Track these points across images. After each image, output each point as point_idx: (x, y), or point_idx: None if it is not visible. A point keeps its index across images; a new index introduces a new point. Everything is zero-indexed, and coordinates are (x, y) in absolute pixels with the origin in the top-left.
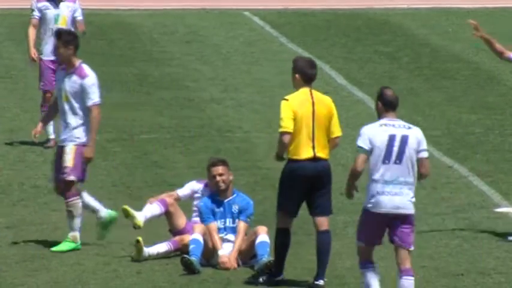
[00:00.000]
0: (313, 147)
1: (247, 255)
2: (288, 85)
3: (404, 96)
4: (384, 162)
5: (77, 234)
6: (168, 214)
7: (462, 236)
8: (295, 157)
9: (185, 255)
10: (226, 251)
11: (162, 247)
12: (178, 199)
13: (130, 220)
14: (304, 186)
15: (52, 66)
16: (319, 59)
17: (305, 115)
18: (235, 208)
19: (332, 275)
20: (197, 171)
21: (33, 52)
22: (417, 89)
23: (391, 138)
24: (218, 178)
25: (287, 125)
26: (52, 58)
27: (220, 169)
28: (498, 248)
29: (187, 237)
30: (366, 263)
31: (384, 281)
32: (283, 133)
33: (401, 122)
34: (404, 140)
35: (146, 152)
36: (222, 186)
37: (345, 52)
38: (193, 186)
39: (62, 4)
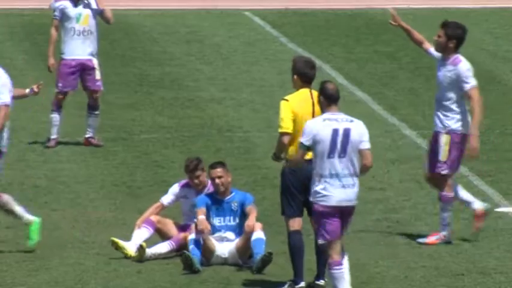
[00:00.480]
0: None
1: (245, 253)
2: (288, 85)
3: (404, 96)
4: (329, 157)
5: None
6: (157, 231)
7: (462, 236)
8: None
9: (185, 251)
10: (225, 250)
11: (163, 247)
12: (163, 208)
13: (120, 252)
14: (304, 186)
15: (72, 65)
16: (320, 58)
17: (305, 115)
18: (234, 205)
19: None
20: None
21: (50, 62)
22: (417, 89)
23: (335, 133)
24: (217, 181)
25: (287, 125)
26: (74, 57)
27: (219, 171)
28: (498, 248)
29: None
30: (335, 264)
31: (384, 280)
32: (282, 134)
33: (343, 116)
34: (346, 133)
35: (146, 152)
36: (222, 188)
37: (345, 52)
38: (175, 190)
39: (83, 2)
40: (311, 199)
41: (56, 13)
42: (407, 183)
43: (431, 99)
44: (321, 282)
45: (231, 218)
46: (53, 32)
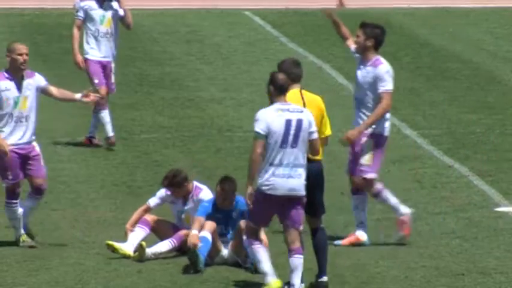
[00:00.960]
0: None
1: (240, 252)
2: None
3: (405, 96)
4: (281, 147)
5: None
6: (153, 231)
7: (462, 236)
8: None
9: (194, 249)
10: (225, 251)
11: (164, 245)
12: (150, 210)
13: (117, 253)
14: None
15: (100, 65)
16: (320, 58)
17: None
18: (235, 214)
19: (332, 274)
20: (198, 171)
21: (79, 59)
22: (418, 88)
23: (288, 123)
24: (223, 197)
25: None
26: (99, 59)
27: (229, 190)
28: (498, 248)
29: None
30: (253, 240)
31: (384, 280)
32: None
33: (294, 106)
34: (299, 123)
35: (147, 152)
36: (226, 204)
37: (345, 52)
38: (162, 194)
39: (106, 3)
40: (257, 186)
41: (80, 13)
42: (408, 183)
43: (432, 99)
44: (324, 279)
45: (232, 226)
46: (76, 31)
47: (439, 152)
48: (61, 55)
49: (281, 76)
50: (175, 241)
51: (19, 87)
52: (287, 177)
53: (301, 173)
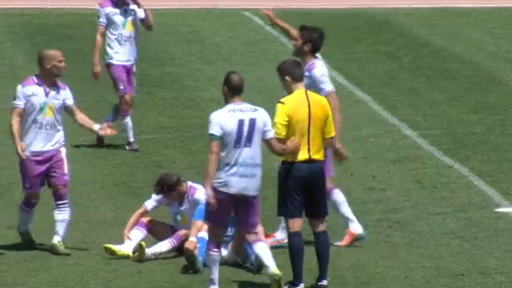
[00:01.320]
0: (309, 150)
1: (240, 252)
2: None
3: (405, 96)
4: (235, 147)
5: None
6: (150, 232)
7: (462, 236)
8: (290, 159)
9: (191, 250)
10: (225, 251)
11: (164, 245)
12: (146, 212)
13: (115, 255)
14: (302, 187)
15: (124, 70)
16: None
17: (301, 117)
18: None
19: (332, 274)
20: (198, 171)
21: (97, 70)
22: (418, 88)
23: (241, 123)
24: None
25: (280, 131)
26: (123, 63)
27: None
28: (499, 248)
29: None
30: (213, 244)
31: (384, 280)
32: (277, 140)
33: (247, 105)
34: (252, 123)
35: (147, 152)
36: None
37: (345, 52)
38: (157, 197)
39: (128, 8)
40: (213, 185)
41: (102, 19)
42: (408, 183)
43: (432, 99)
44: (324, 282)
45: (230, 228)
46: (99, 38)
47: (439, 152)
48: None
49: (235, 77)
50: (174, 241)
51: (47, 94)
52: (240, 176)
53: (256, 172)
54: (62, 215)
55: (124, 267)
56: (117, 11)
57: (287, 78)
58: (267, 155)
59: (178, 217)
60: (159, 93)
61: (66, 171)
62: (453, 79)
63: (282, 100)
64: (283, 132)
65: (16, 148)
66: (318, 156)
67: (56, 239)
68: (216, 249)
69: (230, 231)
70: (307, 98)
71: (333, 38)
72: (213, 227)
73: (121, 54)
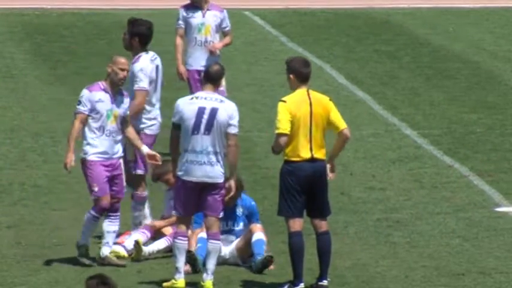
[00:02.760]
0: (311, 148)
1: (245, 253)
2: (288, 85)
3: (405, 96)
4: (193, 133)
5: None
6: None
7: (463, 236)
8: (292, 158)
9: (191, 250)
10: (227, 251)
11: (161, 244)
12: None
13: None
14: (304, 187)
15: (197, 76)
16: (320, 58)
17: (303, 116)
18: (239, 211)
19: (333, 274)
20: None
21: (182, 70)
22: (418, 88)
23: (201, 111)
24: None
25: (284, 126)
26: (198, 68)
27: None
28: (499, 248)
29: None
30: (180, 234)
31: (384, 280)
32: (280, 135)
33: (214, 95)
34: (213, 112)
35: None
36: (230, 202)
37: (345, 51)
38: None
39: (208, 13)
40: (177, 174)
41: (180, 22)
42: (408, 183)
43: (432, 98)
44: (324, 282)
45: (236, 223)
46: (178, 41)
47: (439, 152)
48: (61, 55)
49: (215, 67)
50: (171, 239)
51: (113, 101)
52: (200, 164)
53: (218, 160)
54: (113, 227)
55: (123, 266)
56: (195, 13)
57: (291, 76)
58: (267, 155)
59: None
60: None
61: (124, 183)
62: (453, 79)
63: (283, 98)
64: (288, 128)
65: (65, 156)
66: (320, 155)
67: (107, 250)
68: (183, 238)
69: (235, 226)
70: (309, 96)
71: (333, 37)
72: (180, 216)
73: (195, 59)
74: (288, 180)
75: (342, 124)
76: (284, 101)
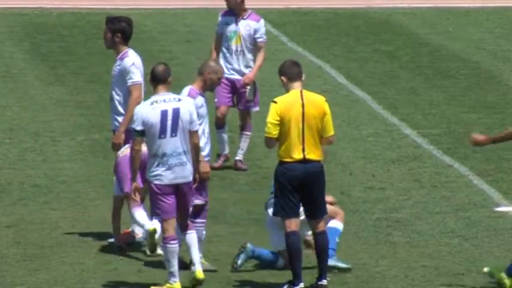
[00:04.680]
0: (303, 149)
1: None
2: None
3: (404, 95)
4: (160, 137)
5: None
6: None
7: (462, 235)
8: (284, 159)
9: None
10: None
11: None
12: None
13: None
14: (296, 187)
15: (226, 83)
16: (320, 58)
17: (294, 117)
18: None
19: (332, 273)
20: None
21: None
22: (417, 88)
23: (164, 114)
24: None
25: (270, 130)
26: (227, 75)
27: None
28: (498, 247)
29: None
30: (170, 237)
31: (384, 280)
32: (265, 138)
33: (171, 95)
34: (176, 113)
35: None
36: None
37: (345, 51)
38: None
39: (242, 21)
40: (147, 178)
41: (218, 28)
42: (408, 182)
43: (431, 98)
44: (324, 282)
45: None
46: (212, 47)
47: (438, 152)
48: (61, 55)
49: (160, 68)
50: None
51: (207, 104)
52: (170, 167)
53: (187, 159)
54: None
55: (124, 266)
56: (230, 21)
57: (283, 78)
58: (267, 155)
59: None
60: None
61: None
62: (453, 78)
63: (274, 99)
64: (273, 131)
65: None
66: (313, 156)
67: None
68: (173, 242)
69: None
70: (302, 97)
71: (332, 37)
72: (164, 219)
73: (225, 66)
74: (280, 181)
75: (330, 130)
76: (275, 102)
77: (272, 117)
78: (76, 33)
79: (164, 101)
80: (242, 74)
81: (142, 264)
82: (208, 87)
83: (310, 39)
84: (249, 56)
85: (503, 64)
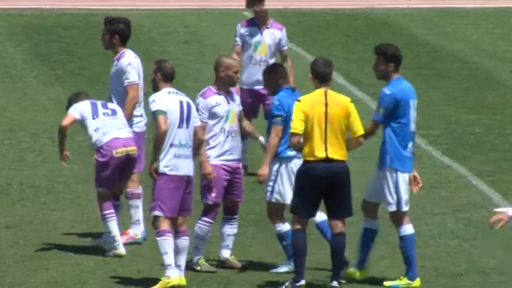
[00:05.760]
0: (326, 149)
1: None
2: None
3: None
4: (179, 127)
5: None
6: None
7: (461, 236)
8: (308, 158)
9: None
10: None
11: None
12: None
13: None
14: (318, 187)
15: (251, 97)
16: None
17: (316, 116)
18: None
19: (331, 274)
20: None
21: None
22: (416, 88)
23: (181, 105)
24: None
25: (295, 126)
26: (252, 87)
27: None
28: (497, 248)
29: None
30: (166, 230)
31: (383, 280)
32: (291, 134)
33: (177, 91)
34: (188, 106)
35: (146, 152)
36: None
37: (344, 52)
38: None
39: (266, 31)
40: (161, 171)
41: (237, 38)
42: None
43: (430, 99)
44: (335, 284)
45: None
46: (233, 57)
47: (437, 152)
48: (60, 55)
49: (169, 65)
50: None
51: (228, 101)
52: (185, 158)
53: (191, 154)
54: (233, 229)
55: (123, 266)
56: (253, 31)
57: (311, 76)
58: None
59: None
60: None
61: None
62: (452, 79)
63: (299, 98)
64: (300, 127)
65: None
66: (336, 155)
67: (228, 253)
68: (169, 234)
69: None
70: (326, 96)
71: (331, 38)
72: (166, 217)
73: (249, 78)
74: (301, 179)
75: (359, 129)
76: (299, 101)
77: (297, 115)
78: (75, 34)
79: (177, 93)
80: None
81: (142, 265)
82: (227, 84)
83: (310, 40)
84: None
85: (502, 65)
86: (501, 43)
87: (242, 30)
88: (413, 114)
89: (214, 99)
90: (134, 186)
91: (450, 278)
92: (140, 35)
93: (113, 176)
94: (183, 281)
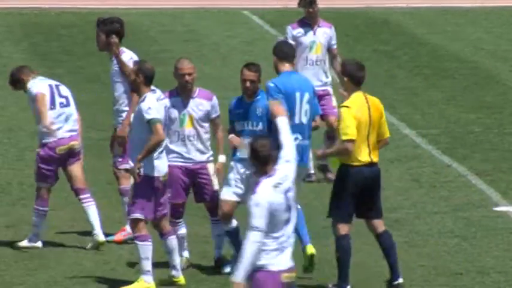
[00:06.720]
0: (369, 152)
1: None
2: None
3: (403, 95)
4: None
5: None
6: None
7: (461, 235)
8: (352, 163)
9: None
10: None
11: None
12: None
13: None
14: (362, 190)
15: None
16: None
17: (363, 120)
18: (259, 110)
19: (331, 273)
20: None
21: None
22: (416, 88)
23: (165, 110)
24: (248, 85)
25: (353, 132)
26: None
27: (247, 74)
28: (497, 247)
29: None
30: (145, 235)
31: (383, 279)
32: (348, 141)
33: (160, 94)
34: (168, 110)
35: None
36: (249, 92)
37: (344, 51)
38: None
39: (319, 30)
40: (144, 173)
41: (290, 41)
42: (406, 182)
43: (430, 98)
44: (400, 280)
45: (257, 122)
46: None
47: (437, 151)
48: (59, 54)
49: (150, 66)
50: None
51: (184, 105)
52: (163, 159)
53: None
54: (217, 230)
55: (122, 266)
56: (306, 31)
57: (346, 79)
58: None
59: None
60: None
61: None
62: (451, 78)
63: (346, 104)
64: (356, 133)
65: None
66: (376, 158)
67: (219, 253)
68: (150, 240)
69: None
70: (367, 101)
71: None
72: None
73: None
74: (345, 184)
75: (387, 131)
76: (348, 107)
77: (350, 121)
78: (74, 33)
79: (162, 98)
80: (324, 83)
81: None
82: (182, 87)
83: None
84: (327, 64)
85: (501, 64)
86: (501, 42)
87: (295, 32)
88: (301, 107)
89: (171, 101)
90: (128, 183)
91: (449, 277)
92: (139, 34)
93: (54, 171)
94: (182, 280)
